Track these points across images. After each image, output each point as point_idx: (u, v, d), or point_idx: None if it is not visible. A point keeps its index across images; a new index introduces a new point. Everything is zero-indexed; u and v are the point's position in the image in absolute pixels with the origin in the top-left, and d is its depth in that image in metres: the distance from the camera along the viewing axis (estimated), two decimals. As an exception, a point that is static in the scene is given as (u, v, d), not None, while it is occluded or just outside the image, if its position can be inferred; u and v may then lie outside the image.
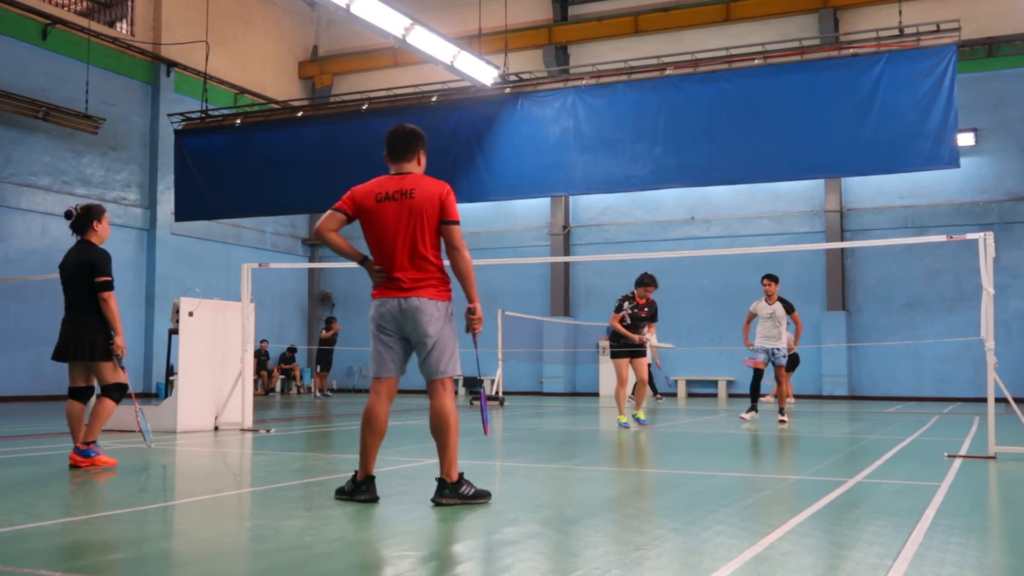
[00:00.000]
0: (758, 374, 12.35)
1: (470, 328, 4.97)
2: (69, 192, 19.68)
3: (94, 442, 6.50)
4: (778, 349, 12.07)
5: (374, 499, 4.96)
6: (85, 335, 6.49)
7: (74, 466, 6.45)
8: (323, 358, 21.58)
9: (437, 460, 4.93)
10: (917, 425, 11.65)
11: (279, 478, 6.13)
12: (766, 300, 12.23)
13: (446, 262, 5.01)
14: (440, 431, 4.90)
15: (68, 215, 6.70)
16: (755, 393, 12.38)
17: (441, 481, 4.90)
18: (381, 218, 4.89)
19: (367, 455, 4.97)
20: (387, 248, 4.89)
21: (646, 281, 11.26)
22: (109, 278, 6.55)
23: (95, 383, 6.75)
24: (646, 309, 11.27)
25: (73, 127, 19.31)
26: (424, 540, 4.08)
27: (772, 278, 12.23)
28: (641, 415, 11.24)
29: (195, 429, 9.96)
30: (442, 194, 4.89)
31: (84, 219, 6.67)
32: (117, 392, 6.61)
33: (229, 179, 18.51)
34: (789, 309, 12.23)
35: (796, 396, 19.87)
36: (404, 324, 4.88)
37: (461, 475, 4.93)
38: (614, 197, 22.62)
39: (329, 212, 4.98)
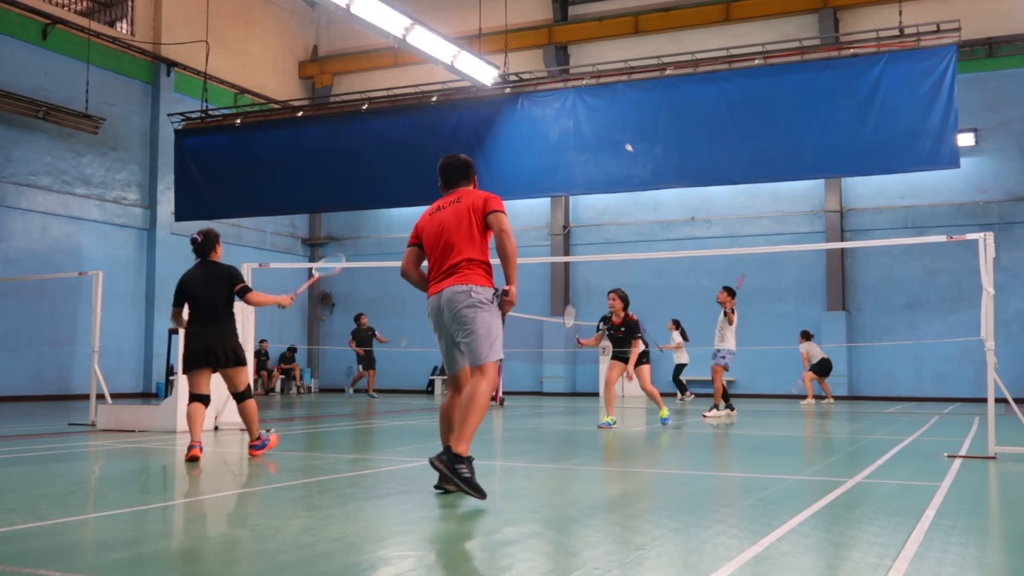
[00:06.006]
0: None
1: (502, 309, 5.10)
2: (69, 192, 19.68)
3: (262, 433, 7.47)
4: None
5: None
6: (228, 344, 7.23)
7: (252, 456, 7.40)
8: (368, 357, 20.91)
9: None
10: (917, 425, 11.65)
11: (279, 478, 6.14)
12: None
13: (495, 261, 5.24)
14: (463, 406, 4.99)
15: (193, 241, 7.40)
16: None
17: (447, 448, 4.94)
18: (433, 225, 5.28)
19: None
20: (433, 250, 5.24)
21: (609, 292, 11.26)
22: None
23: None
24: (622, 329, 11.19)
25: (73, 127, 19.30)
26: (424, 540, 4.07)
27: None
28: (607, 419, 10.97)
29: (195, 429, 9.94)
30: (485, 196, 5.25)
31: (207, 243, 7.40)
32: (250, 391, 7.48)
33: (229, 179, 18.51)
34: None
35: (796, 396, 19.81)
36: (442, 317, 5.16)
37: (469, 458, 4.87)
38: (614, 197, 22.60)
39: (405, 252, 5.40)
